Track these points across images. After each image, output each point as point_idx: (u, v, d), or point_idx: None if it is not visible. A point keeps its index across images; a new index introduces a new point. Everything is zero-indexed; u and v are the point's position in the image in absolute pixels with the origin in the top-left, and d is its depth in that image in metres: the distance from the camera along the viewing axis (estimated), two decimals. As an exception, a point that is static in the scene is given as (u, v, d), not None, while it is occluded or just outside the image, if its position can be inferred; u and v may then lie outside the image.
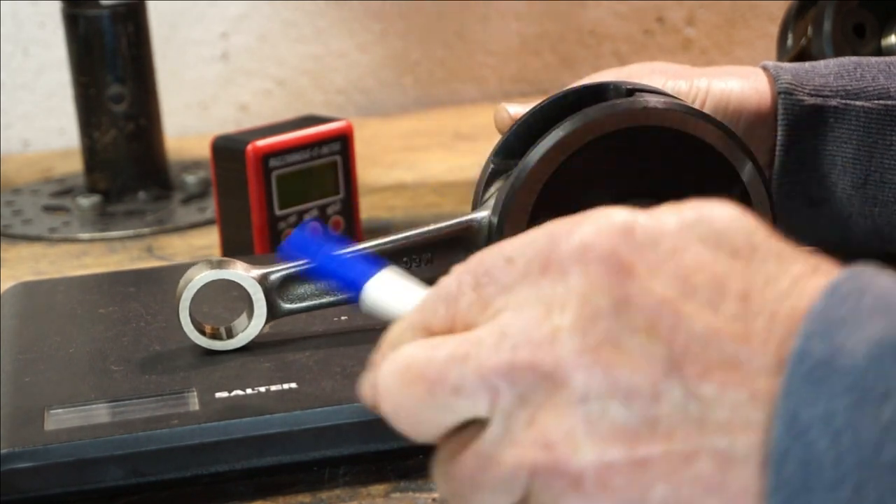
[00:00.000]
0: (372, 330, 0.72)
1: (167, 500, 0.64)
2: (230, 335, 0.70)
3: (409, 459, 0.65)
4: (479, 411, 0.45)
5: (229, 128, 1.27)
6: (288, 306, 0.71)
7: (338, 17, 1.38)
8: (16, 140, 1.34)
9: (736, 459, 0.42)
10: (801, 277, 0.44)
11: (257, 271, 0.70)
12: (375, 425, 0.63)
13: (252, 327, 0.70)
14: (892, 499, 0.40)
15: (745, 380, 0.43)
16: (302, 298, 0.71)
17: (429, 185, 1.13)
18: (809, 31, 0.98)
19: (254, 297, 0.70)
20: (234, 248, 0.92)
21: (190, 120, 1.36)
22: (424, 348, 0.46)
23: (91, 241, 1.04)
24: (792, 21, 1.01)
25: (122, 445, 0.62)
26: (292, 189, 0.91)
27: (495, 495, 0.45)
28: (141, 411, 0.64)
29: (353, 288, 0.52)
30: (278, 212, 0.91)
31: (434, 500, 0.62)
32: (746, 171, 0.72)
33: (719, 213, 0.46)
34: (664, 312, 0.43)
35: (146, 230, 1.05)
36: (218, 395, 0.65)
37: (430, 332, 0.47)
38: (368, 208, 1.04)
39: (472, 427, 0.45)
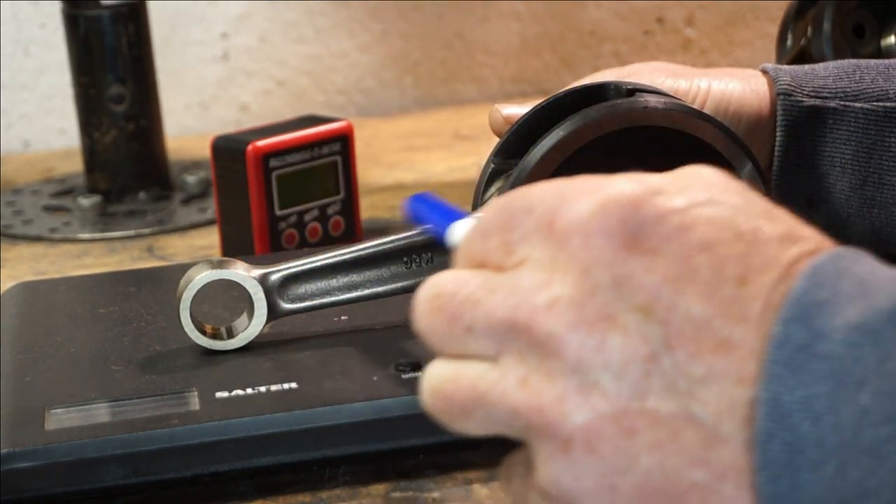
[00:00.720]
0: (372, 330, 0.72)
1: (167, 499, 0.64)
2: (230, 335, 0.70)
3: (409, 459, 0.65)
4: (489, 353, 0.47)
5: (229, 128, 1.27)
6: (288, 306, 0.71)
7: (338, 18, 1.38)
8: (16, 140, 1.34)
9: (721, 437, 0.43)
10: (797, 261, 0.45)
11: (258, 271, 0.70)
12: (375, 425, 0.64)
13: (252, 327, 0.70)
14: (873, 480, 0.41)
15: (735, 363, 0.43)
16: (302, 298, 0.71)
17: (429, 185, 1.13)
18: (809, 31, 0.98)
19: (254, 297, 0.70)
20: (235, 248, 0.92)
21: (190, 120, 1.36)
22: (454, 282, 0.48)
23: (91, 241, 1.04)
24: (791, 21, 1.01)
25: (123, 445, 0.62)
26: (292, 189, 0.91)
27: (481, 427, 0.48)
28: (141, 411, 0.64)
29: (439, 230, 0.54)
30: (278, 212, 0.91)
31: (434, 499, 0.62)
32: (746, 172, 0.72)
33: (729, 196, 0.46)
34: (663, 293, 0.44)
35: (146, 230, 1.05)
36: (218, 395, 0.65)
37: (471, 263, 0.49)
38: (368, 208, 1.04)
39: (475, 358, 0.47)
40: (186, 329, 0.70)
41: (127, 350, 0.71)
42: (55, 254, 1.01)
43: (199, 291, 0.69)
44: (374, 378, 0.66)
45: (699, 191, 0.46)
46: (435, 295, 0.48)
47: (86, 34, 1.07)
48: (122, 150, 1.10)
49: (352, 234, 0.94)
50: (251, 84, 1.38)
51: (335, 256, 0.71)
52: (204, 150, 1.00)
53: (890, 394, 0.41)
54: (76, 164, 1.17)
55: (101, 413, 0.65)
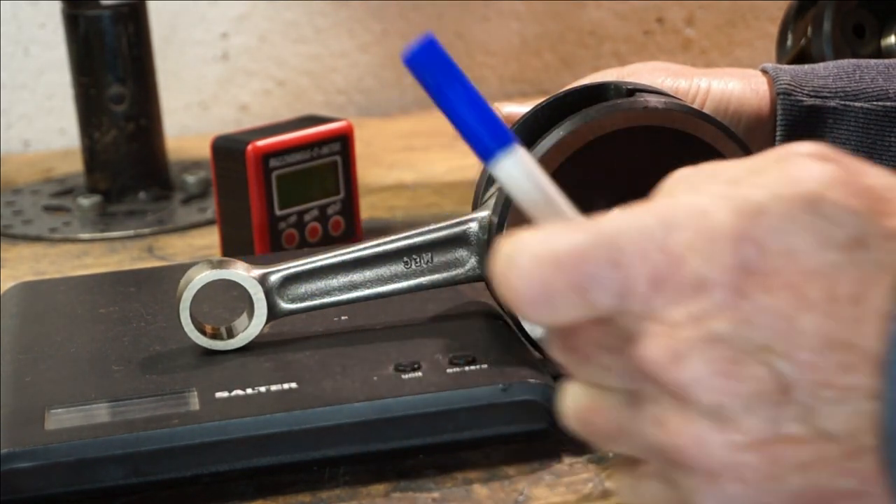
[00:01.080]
0: (372, 330, 0.72)
1: (167, 500, 0.64)
2: (231, 335, 0.70)
3: (409, 459, 0.65)
4: (623, 387, 0.48)
5: (229, 128, 1.27)
6: (288, 306, 0.71)
7: (338, 17, 1.38)
8: (16, 140, 1.34)
9: (862, 448, 0.45)
10: None
11: (258, 271, 0.70)
12: (375, 425, 0.64)
13: (252, 327, 0.70)
14: None
15: (862, 379, 0.45)
16: (302, 298, 0.71)
17: (429, 185, 1.13)
18: (809, 31, 0.98)
19: (254, 297, 0.70)
20: (234, 248, 0.92)
21: (190, 120, 1.36)
22: (580, 333, 0.49)
23: (91, 241, 1.04)
24: (791, 21, 1.01)
25: (123, 445, 0.62)
26: (292, 189, 0.91)
27: (628, 450, 0.49)
28: (141, 411, 0.64)
29: (483, 149, 0.49)
30: (278, 212, 0.91)
31: (434, 499, 0.62)
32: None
33: (829, 194, 0.47)
34: (781, 328, 0.46)
35: (146, 230, 1.05)
36: (218, 395, 0.65)
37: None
38: (368, 208, 1.04)
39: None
40: (186, 329, 0.70)
41: (127, 350, 0.71)
42: (55, 254, 1.01)
43: (198, 291, 0.69)
44: (374, 378, 0.66)
45: (797, 204, 0.47)
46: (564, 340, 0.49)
47: (86, 34, 1.08)
48: (122, 150, 1.10)
49: (352, 234, 0.94)
50: (251, 84, 1.38)
51: (335, 256, 0.71)
52: (204, 150, 1.00)
53: None
54: (76, 164, 1.17)
55: (101, 413, 0.65)
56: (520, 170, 0.49)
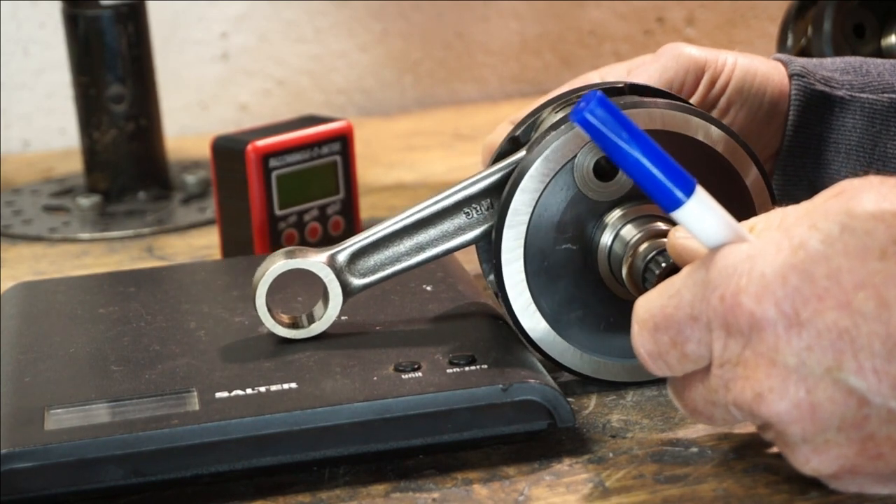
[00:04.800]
0: (372, 331, 0.72)
1: (167, 500, 0.64)
2: (311, 321, 0.71)
3: (409, 459, 0.65)
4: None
5: (229, 128, 1.27)
6: (361, 281, 0.71)
7: (338, 17, 1.38)
8: (16, 140, 1.34)
9: None
10: None
11: (324, 254, 0.70)
12: (375, 425, 0.64)
13: (331, 309, 0.71)
14: None
15: None
16: (373, 270, 0.71)
17: (429, 185, 1.13)
18: (809, 31, 0.98)
19: (326, 281, 0.70)
20: (234, 248, 0.92)
21: (190, 120, 1.36)
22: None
23: (91, 241, 1.04)
24: (792, 21, 1.01)
25: (122, 445, 0.62)
26: (292, 189, 0.91)
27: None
28: (141, 411, 0.64)
29: (666, 197, 0.53)
30: (278, 212, 0.91)
31: (434, 499, 0.62)
32: (750, 174, 0.71)
33: (859, 212, 0.51)
34: (842, 344, 0.50)
35: (146, 230, 1.05)
36: (218, 395, 0.65)
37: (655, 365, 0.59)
38: (368, 208, 1.04)
39: None
40: (264, 320, 0.70)
41: (127, 350, 0.71)
42: (55, 254, 1.01)
43: (274, 281, 0.70)
44: (374, 378, 0.66)
45: (831, 224, 0.51)
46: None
47: (86, 34, 1.07)
48: (122, 149, 1.10)
49: (351, 234, 0.94)
50: (251, 84, 1.38)
51: (396, 223, 0.71)
52: (204, 150, 1.00)
53: None
54: (76, 164, 1.17)
55: (100, 413, 0.64)
56: (704, 210, 0.54)
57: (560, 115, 0.73)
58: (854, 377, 0.50)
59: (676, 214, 0.54)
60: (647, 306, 0.56)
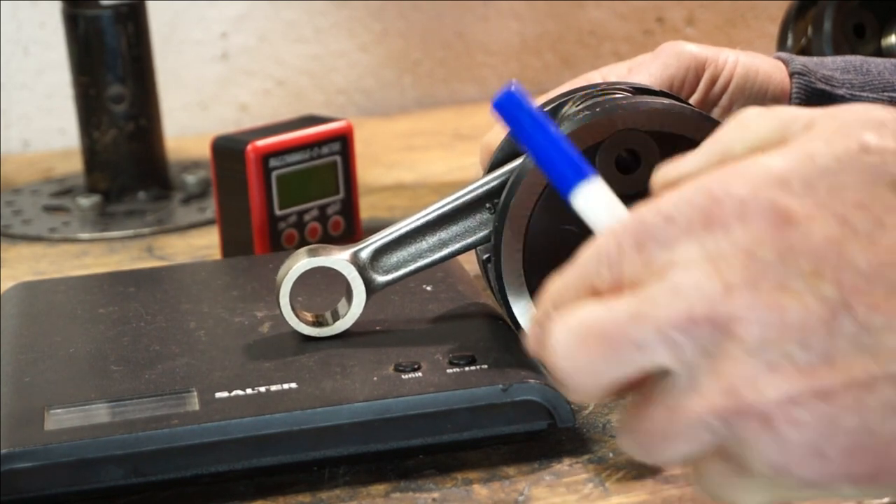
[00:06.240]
0: (372, 331, 0.72)
1: (167, 500, 0.64)
2: (335, 319, 0.71)
3: (409, 459, 0.65)
4: (658, 363, 0.46)
5: (229, 128, 1.27)
6: (384, 278, 0.71)
7: (338, 17, 1.38)
8: (16, 140, 1.34)
9: None
10: None
11: (347, 251, 0.70)
12: (375, 425, 0.64)
13: (354, 307, 0.71)
14: None
15: None
16: (396, 267, 0.71)
17: (429, 185, 1.13)
18: (809, 31, 0.98)
19: (350, 278, 0.70)
20: (234, 248, 0.92)
21: (190, 120, 1.36)
22: (600, 310, 0.47)
23: (91, 241, 1.04)
24: (792, 21, 1.01)
25: (122, 445, 0.62)
26: (292, 189, 0.91)
27: (686, 444, 0.47)
28: (141, 411, 0.64)
29: (562, 182, 0.52)
30: (278, 212, 0.91)
31: (434, 499, 0.62)
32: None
33: (874, 141, 0.47)
34: (828, 254, 0.46)
35: (146, 230, 1.05)
36: (218, 395, 0.65)
37: (595, 293, 0.48)
38: (368, 208, 1.04)
39: (649, 382, 0.47)
40: (287, 318, 0.70)
41: (127, 350, 0.71)
42: (55, 254, 1.01)
43: (297, 281, 0.70)
44: (374, 378, 0.66)
45: (845, 142, 0.47)
46: (583, 329, 0.47)
47: (86, 34, 1.07)
48: (122, 149, 1.10)
49: (351, 234, 0.94)
50: (250, 84, 1.38)
51: (419, 219, 0.72)
52: (203, 150, 1.00)
53: None
54: (76, 164, 1.17)
55: (100, 413, 0.64)
56: (597, 198, 0.51)
57: (560, 114, 0.73)
58: (832, 287, 0.46)
59: (572, 199, 0.53)
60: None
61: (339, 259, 0.71)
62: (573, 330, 0.47)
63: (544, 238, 0.71)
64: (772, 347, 0.46)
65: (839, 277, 0.45)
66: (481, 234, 0.72)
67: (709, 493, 0.49)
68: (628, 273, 0.48)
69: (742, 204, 0.47)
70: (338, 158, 0.93)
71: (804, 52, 0.98)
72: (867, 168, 0.47)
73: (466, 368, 0.66)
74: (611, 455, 0.65)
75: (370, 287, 0.71)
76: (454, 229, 0.72)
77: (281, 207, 0.91)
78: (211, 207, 1.08)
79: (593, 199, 0.51)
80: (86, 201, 1.09)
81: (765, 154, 0.48)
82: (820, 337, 0.45)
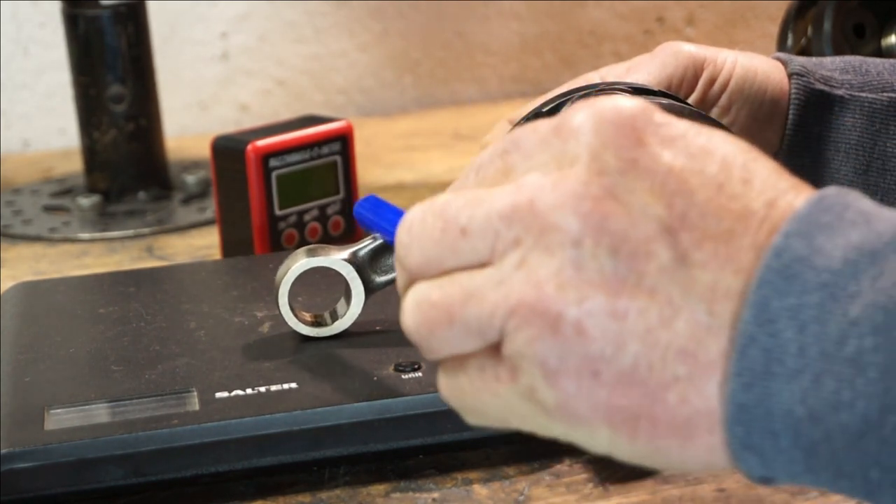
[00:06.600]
0: (372, 332, 0.72)
1: (167, 500, 0.64)
2: (334, 319, 0.71)
3: (409, 459, 0.65)
4: (481, 258, 0.46)
5: (229, 128, 1.27)
6: (382, 279, 0.71)
7: (338, 17, 1.38)
8: (16, 140, 1.34)
9: (711, 329, 0.43)
10: (796, 185, 0.45)
11: (346, 252, 0.70)
12: (375, 425, 0.64)
13: (354, 307, 0.71)
14: (847, 392, 0.41)
15: (735, 254, 0.44)
16: (394, 268, 0.71)
17: (429, 185, 1.13)
18: (809, 31, 0.98)
19: (349, 278, 0.70)
20: (234, 248, 0.92)
21: (190, 120, 1.36)
22: (449, 194, 0.48)
23: (91, 241, 1.04)
24: (792, 21, 1.00)
25: (122, 445, 0.62)
26: (292, 189, 0.91)
27: (465, 334, 0.46)
28: (141, 411, 0.64)
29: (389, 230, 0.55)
30: (278, 212, 0.91)
31: (434, 499, 0.62)
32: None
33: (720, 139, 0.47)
34: (670, 179, 0.45)
35: (146, 230, 1.05)
36: (218, 395, 0.65)
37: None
38: (368, 208, 1.04)
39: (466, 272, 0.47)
40: (286, 318, 0.70)
41: (127, 350, 0.71)
42: (55, 254, 1.01)
43: (296, 281, 0.70)
44: (374, 378, 0.66)
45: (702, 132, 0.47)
46: (429, 205, 0.48)
47: (85, 34, 1.07)
48: (122, 149, 1.10)
49: (352, 233, 0.94)
50: (251, 84, 1.38)
51: None
52: (204, 150, 1.00)
53: (882, 307, 0.41)
54: (76, 164, 1.17)
55: (100, 413, 0.64)
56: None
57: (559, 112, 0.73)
58: (664, 210, 0.44)
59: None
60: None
61: (338, 259, 0.70)
62: (424, 207, 0.48)
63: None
64: (585, 248, 0.44)
65: (673, 202, 0.44)
66: None
67: (448, 395, 0.48)
68: (490, 177, 0.48)
69: (599, 113, 0.46)
70: (338, 158, 0.93)
71: (804, 52, 0.98)
72: (727, 136, 0.46)
73: (466, 368, 0.66)
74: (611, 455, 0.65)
75: (369, 287, 0.71)
76: None
77: (281, 207, 0.91)
78: (211, 207, 1.08)
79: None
80: (86, 201, 1.09)
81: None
82: (635, 253, 0.44)
